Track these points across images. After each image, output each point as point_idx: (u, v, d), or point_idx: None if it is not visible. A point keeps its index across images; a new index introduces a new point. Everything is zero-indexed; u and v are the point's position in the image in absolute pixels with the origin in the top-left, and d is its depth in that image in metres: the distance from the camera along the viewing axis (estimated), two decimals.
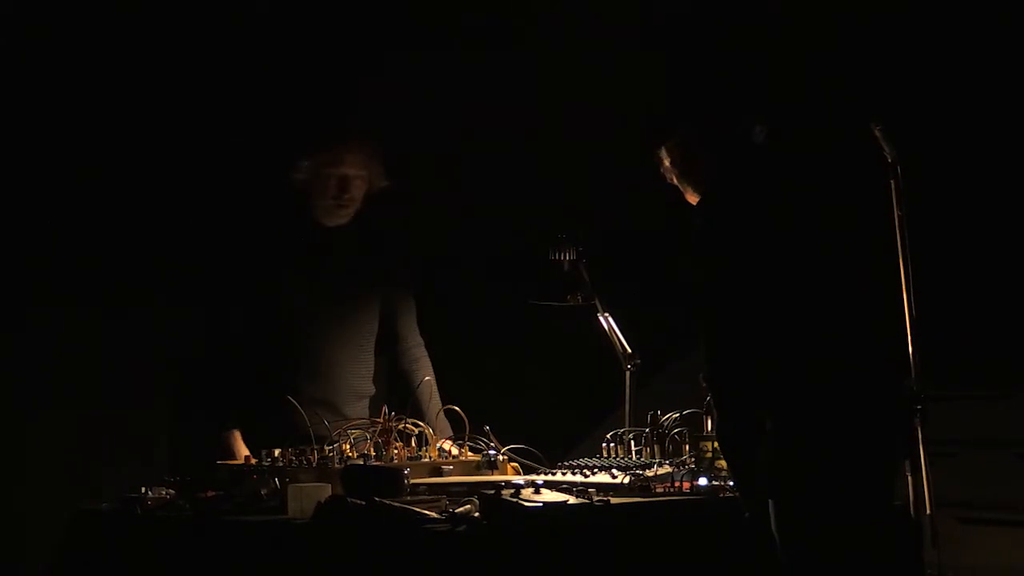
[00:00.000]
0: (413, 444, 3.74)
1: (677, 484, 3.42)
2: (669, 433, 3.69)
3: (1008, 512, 4.57)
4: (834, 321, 3.07)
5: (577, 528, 3.11)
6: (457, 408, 3.88)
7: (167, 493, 3.59)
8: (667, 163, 3.55)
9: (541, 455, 3.78)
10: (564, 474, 3.55)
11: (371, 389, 4.33)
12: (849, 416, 3.04)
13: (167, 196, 5.15)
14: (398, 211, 4.55)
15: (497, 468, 3.73)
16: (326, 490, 3.35)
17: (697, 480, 3.42)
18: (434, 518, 3.16)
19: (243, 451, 4.07)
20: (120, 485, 3.72)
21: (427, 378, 4.22)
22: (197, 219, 5.15)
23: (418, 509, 3.19)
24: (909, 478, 3.05)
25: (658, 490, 3.41)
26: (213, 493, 3.59)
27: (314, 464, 3.60)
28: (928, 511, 3.06)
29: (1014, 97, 4.73)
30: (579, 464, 3.61)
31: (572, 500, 3.17)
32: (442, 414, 3.99)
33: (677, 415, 3.71)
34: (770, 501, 3.02)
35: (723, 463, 3.49)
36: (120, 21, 5.04)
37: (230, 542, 3.34)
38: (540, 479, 3.41)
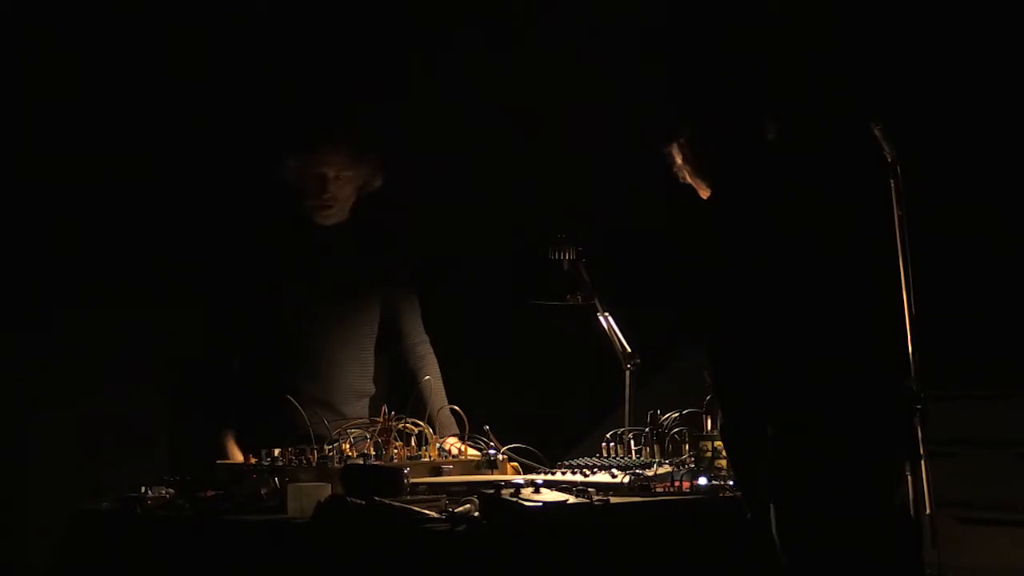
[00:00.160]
0: (413, 444, 3.74)
1: (677, 484, 3.42)
2: (669, 433, 3.69)
3: (1008, 512, 4.56)
4: (834, 321, 3.07)
5: (577, 528, 3.11)
6: (457, 408, 3.88)
7: (167, 493, 3.59)
8: (679, 161, 3.54)
9: (541, 455, 3.78)
10: (564, 474, 3.55)
11: (371, 388, 4.33)
12: (849, 416, 3.04)
13: (167, 196, 5.15)
14: (398, 211, 4.55)
15: (497, 468, 3.73)
16: (326, 490, 3.35)
17: (697, 480, 3.43)
18: (434, 517, 3.16)
19: (236, 454, 4.08)
20: (120, 485, 3.72)
21: (427, 378, 4.22)
22: (197, 219, 5.15)
23: (418, 508, 3.19)
24: (909, 478, 3.05)
25: (658, 490, 3.41)
26: (213, 493, 3.59)
27: (314, 464, 3.60)
28: (928, 511, 3.06)
29: (1014, 97, 4.72)
30: (579, 464, 3.61)
31: (572, 500, 3.17)
32: (447, 411, 3.99)
33: (677, 415, 3.71)
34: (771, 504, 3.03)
35: (723, 463, 3.50)
36: (120, 21, 5.04)
37: (230, 542, 3.35)
38: (540, 479, 3.41)
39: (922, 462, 3.03)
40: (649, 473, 3.46)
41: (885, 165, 3.10)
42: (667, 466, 3.53)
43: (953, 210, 4.61)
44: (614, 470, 3.49)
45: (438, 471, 3.66)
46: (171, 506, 3.54)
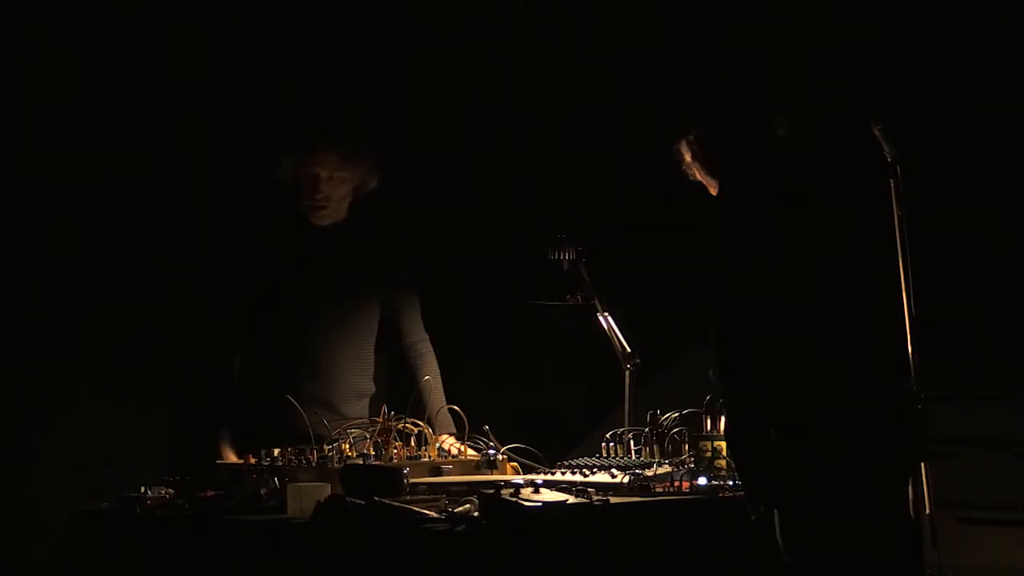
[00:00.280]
0: (412, 444, 3.74)
1: (676, 484, 3.42)
2: (668, 433, 3.69)
3: (1008, 512, 4.56)
4: (834, 321, 3.07)
5: (577, 528, 3.11)
6: (457, 408, 3.88)
7: (167, 493, 3.59)
8: (688, 159, 3.53)
9: (541, 455, 3.78)
10: (563, 474, 3.55)
11: (371, 388, 4.33)
12: (849, 416, 3.04)
13: (167, 196, 5.15)
14: (398, 211, 4.55)
15: (496, 468, 3.73)
16: (325, 490, 3.35)
17: (696, 480, 3.43)
18: (433, 517, 3.16)
19: (229, 455, 4.08)
20: (120, 485, 3.72)
21: (427, 377, 4.23)
22: (197, 219, 5.15)
23: (417, 509, 3.19)
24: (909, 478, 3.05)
25: (657, 490, 3.41)
26: (213, 493, 3.59)
27: (313, 464, 3.60)
28: (928, 511, 3.06)
29: (1014, 97, 4.72)
30: (579, 464, 3.61)
31: (571, 500, 3.17)
32: (445, 411, 3.99)
33: (676, 415, 3.71)
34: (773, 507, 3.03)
35: (723, 463, 3.50)
36: (120, 21, 5.04)
37: (230, 542, 3.35)
38: (539, 479, 3.41)
39: (922, 462, 3.03)
40: (649, 473, 3.46)
41: (885, 165, 3.10)
42: (667, 466, 3.52)
43: (953, 210, 4.61)
44: (614, 470, 3.49)
45: (438, 471, 3.66)
46: (171, 506, 3.54)
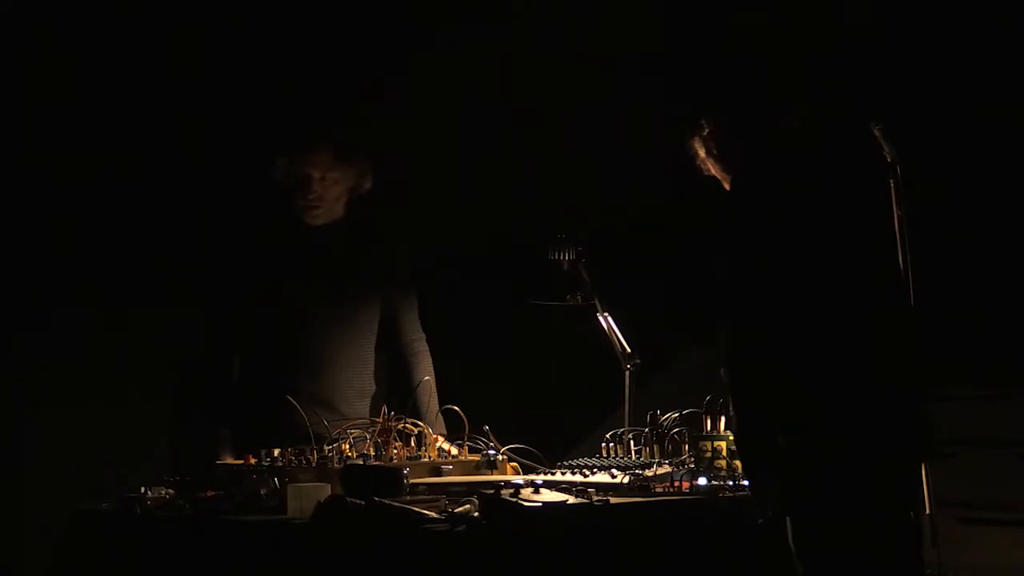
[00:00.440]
0: (412, 444, 3.74)
1: (676, 484, 3.41)
2: (668, 433, 3.68)
3: (1008, 512, 4.57)
4: (834, 321, 3.06)
5: (577, 528, 3.11)
6: (456, 408, 3.88)
7: (167, 493, 3.58)
8: (702, 154, 3.51)
9: (540, 455, 3.78)
10: (563, 474, 3.55)
11: (371, 387, 4.33)
12: (849, 416, 3.04)
13: (167, 196, 5.15)
14: (397, 211, 4.55)
15: (496, 468, 3.72)
16: (325, 490, 3.35)
17: (696, 480, 3.42)
18: (433, 518, 3.16)
19: (225, 456, 4.07)
20: (120, 485, 3.72)
21: (426, 378, 4.23)
22: (197, 219, 5.15)
23: (417, 509, 3.19)
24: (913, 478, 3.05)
25: (657, 490, 3.41)
26: (213, 493, 3.58)
27: (313, 464, 3.60)
28: (928, 511, 3.06)
29: (1014, 97, 4.73)
30: (578, 464, 3.61)
31: (571, 500, 3.17)
32: (437, 412, 3.99)
33: (677, 415, 3.70)
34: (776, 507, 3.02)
35: (723, 463, 3.50)
36: (120, 21, 5.05)
37: (230, 542, 3.34)
38: (539, 479, 3.41)
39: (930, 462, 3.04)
40: (649, 473, 3.46)
41: (885, 165, 3.10)
42: (667, 466, 3.52)
43: (953, 210, 4.61)
44: (614, 470, 3.48)
45: (438, 471, 3.66)
46: (171, 506, 3.53)
